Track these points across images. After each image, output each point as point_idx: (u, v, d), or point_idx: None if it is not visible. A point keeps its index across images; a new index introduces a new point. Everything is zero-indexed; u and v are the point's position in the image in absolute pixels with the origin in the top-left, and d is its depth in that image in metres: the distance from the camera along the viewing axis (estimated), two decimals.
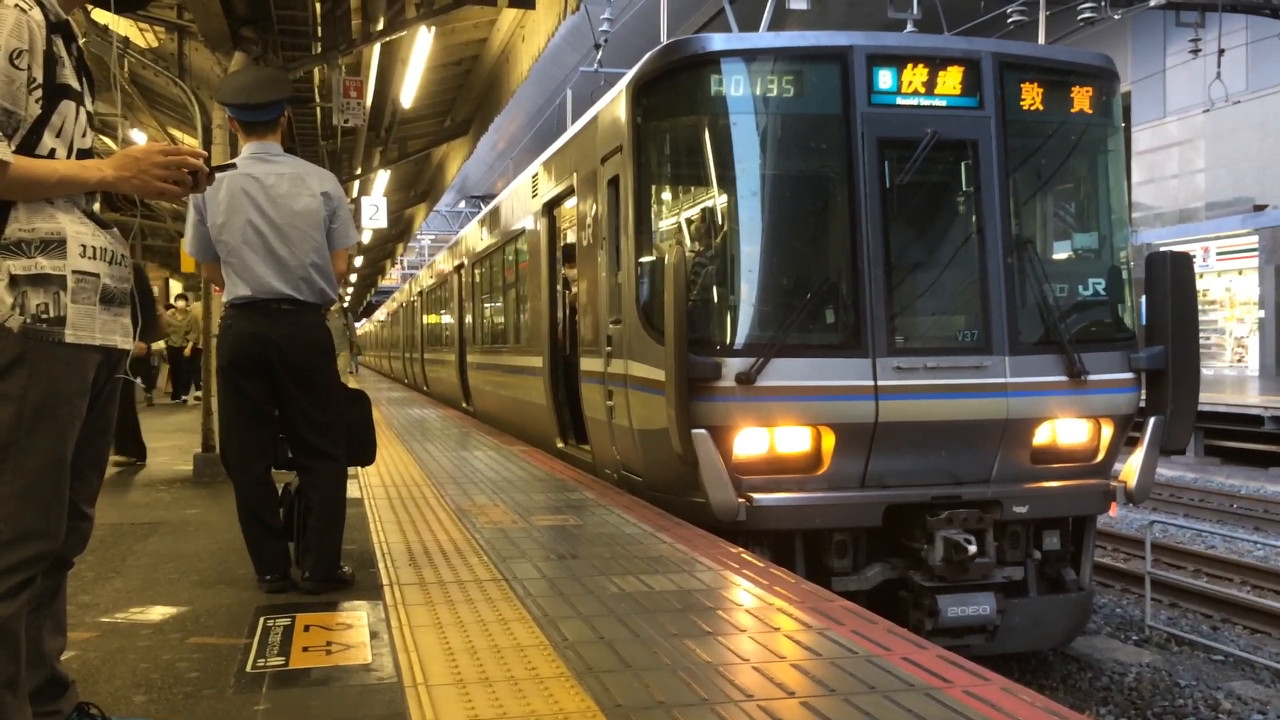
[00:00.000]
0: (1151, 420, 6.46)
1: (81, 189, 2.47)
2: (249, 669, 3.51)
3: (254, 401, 4.48)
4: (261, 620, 4.08)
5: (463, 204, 45.81)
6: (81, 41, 2.61)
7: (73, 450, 2.49)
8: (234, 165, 3.45)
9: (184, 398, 19.03)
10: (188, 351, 18.50)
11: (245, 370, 4.45)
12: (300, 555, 4.61)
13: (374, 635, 3.84)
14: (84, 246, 2.45)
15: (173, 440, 11.65)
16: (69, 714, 2.69)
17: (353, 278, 41.71)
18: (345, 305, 26.83)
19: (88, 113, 2.54)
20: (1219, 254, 26.96)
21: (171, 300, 21.00)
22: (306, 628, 3.97)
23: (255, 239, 4.42)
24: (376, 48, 11.17)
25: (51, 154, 2.42)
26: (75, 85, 2.48)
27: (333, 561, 4.55)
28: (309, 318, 4.50)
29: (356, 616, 4.11)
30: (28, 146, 2.37)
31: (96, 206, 2.60)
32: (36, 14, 2.37)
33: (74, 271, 2.42)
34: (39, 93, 2.38)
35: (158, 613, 4.28)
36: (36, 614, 2.54)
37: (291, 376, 4.43)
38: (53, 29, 2.42)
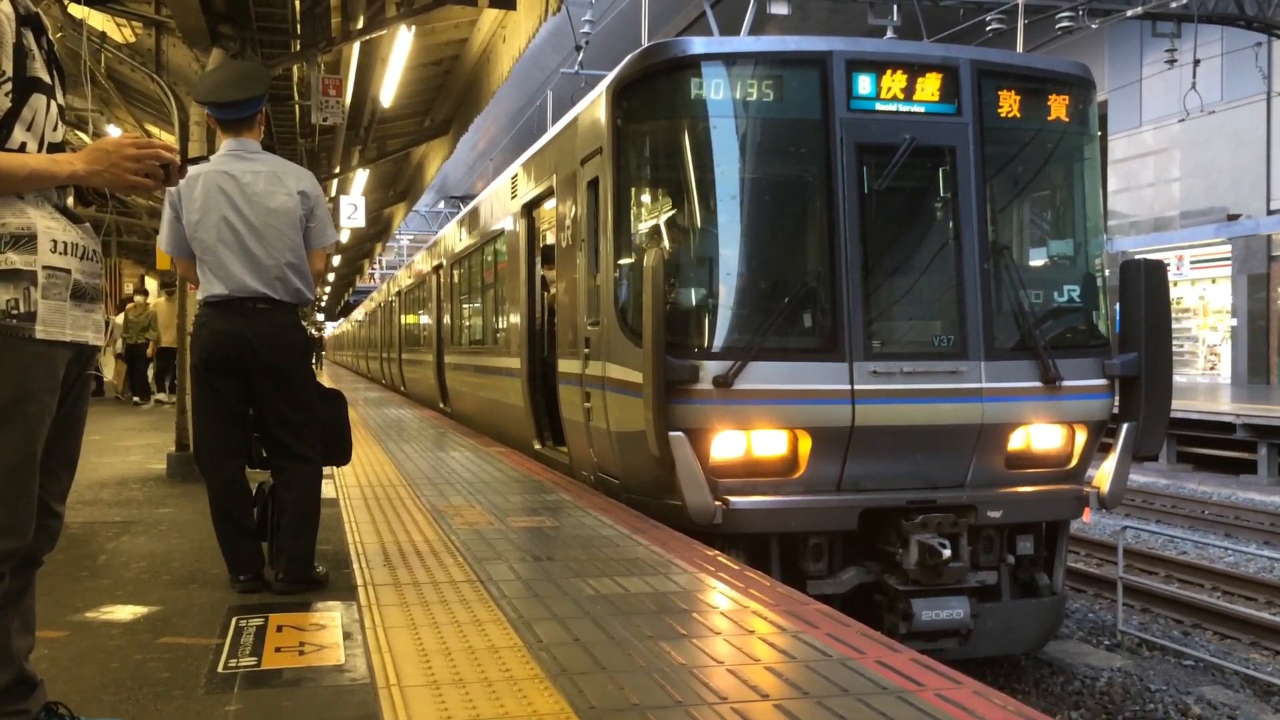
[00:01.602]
0: (1124, 426, 6.51)
1: (52, 183, 2.45)
2: (220, 669, 3.48)
3: (227, 401, 4.46)
4: (234, 620, 4.05)
5: (442, 204, 45.73)
6: (57, 36, 2.60)
7: (42, 447, 2.47)
8: (206, 158, 3.43)
9: (142, 399, 17.49)
10: (151, 351, 17.21)
11: (219, 369, 4.42)
12: (274, 556, 4.58)
13: (347, 636, 3.82)
14: (55, 242, 2.43)
15: (146, 439, 11.56)
16: (37, 713, 2.66)
17: (330, 277, 41.54)
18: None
19: (59, 106, 2.52)
20: (1193, 262, 27.25)
21: (131, 295, 19.37)
22: (279, 628, 3.94)
23: (230, 237, 4.39)
24: (356, 46, 11.14)
25: (22, 148, 2.40)
26: (46, 79, 2.46)
27: (307, 562, 4.52)
28: (284, 317, 4.47)
29: (330, 617, 4.09)
30: None
31: (70, 201, 2.57)
32: (5, 6, 2.35)
33: (45, 267, 2.40)
34: (9, 86, 2.36)
35: (129, 612, 4.25)
36: (4, 612, 2.52)
37: (266, 376, 4.40)
38: (22, 22, 2.39)
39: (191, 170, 4.49)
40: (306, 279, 4.53)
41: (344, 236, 24.69)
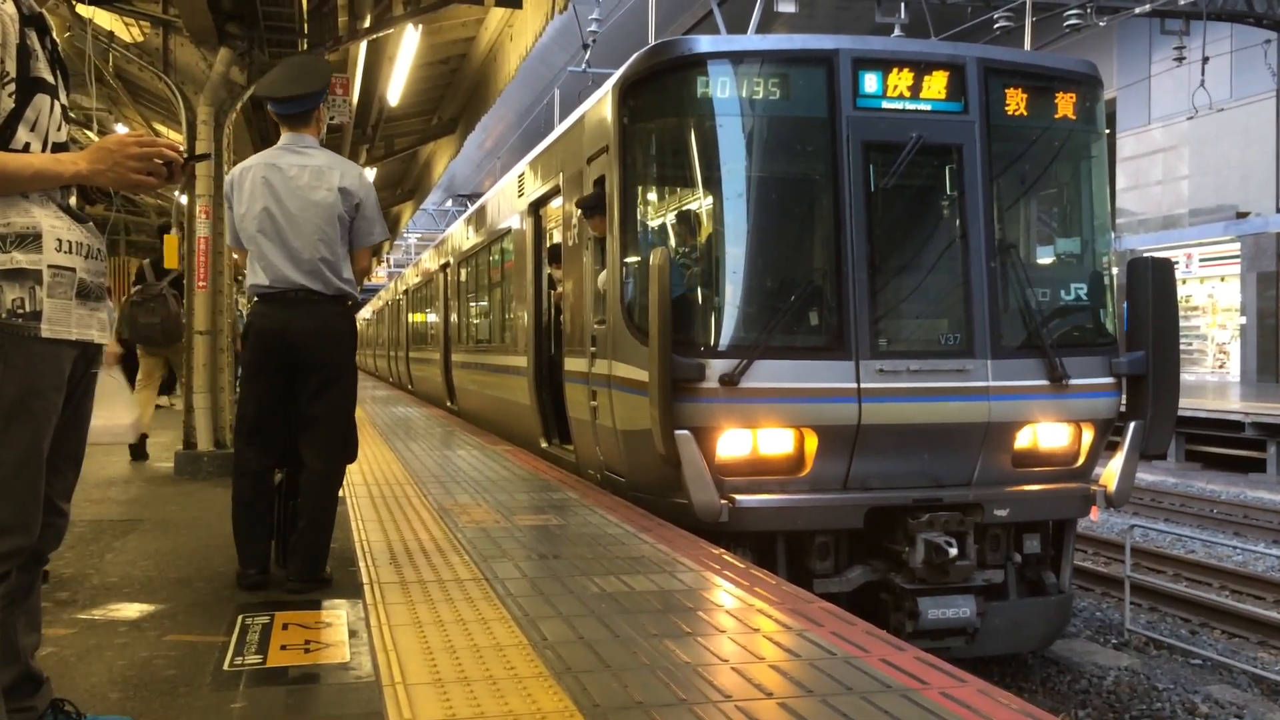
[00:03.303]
0: (1132, 425, 6.49)
1: (57, 183, 2.45)
2: (226, 667, 3.49)
3: (272, 397, 4.50)
4: (240, 618, 4.06)
5: (450, 202, 45.75)
6: (65, 35, 2.61)
7: (48, 445, 2.48)
8: (209, 155, 3.45)
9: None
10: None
11: (265, 368, 4.49)
12: (288, 553, 4.58)
13: (353, 634, 3.83)
14: (60, 241, 2.43)
15: (155, 437, 11.57)
16: (43, 711, 2.67)
17: None
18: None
19: (62, 106, 2.53)
20: (1202, 260, 27.16)
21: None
22: (285, 626, 3.96)
23: (270, 228, 4.46)
24: (363, 45, 11.14)
25: (26, 148, 2.41)
26: (50, 79, 2.46)
27: (322, 561, 4.52)
28: (329, 308, 4.50)
29: (336, 615, 4.10)
30: (1, 141, 2.36)
31: (72, 200, 2.58)
32: (9, 7, 2.36)
33: (50, 266, 2.41)
34: (12, 86, 2.37)
35: (135, 610, 4.26)
36: (11, 610, 2.53)
37: (312, 371, 4.44)
38: (26, 22, 2.40)
39: (244, 163, 4.58)
40: (342, 274, 4.52)
41: None
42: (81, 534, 5.81)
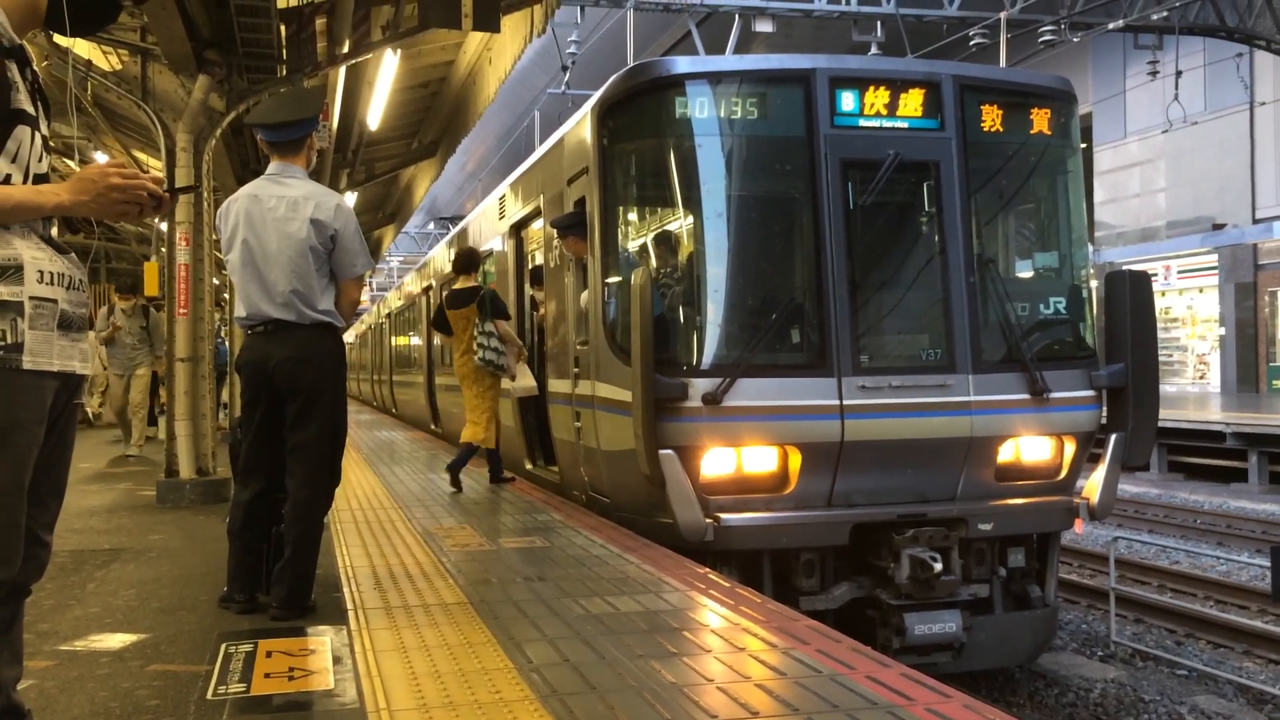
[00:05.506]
0: (1112, 437, 6.54)
1: (38, 214, 2.45)
2: (209, 696, 3.46)
3: (264, 429, 4.50)
4: (223, 647, 4.03)
5: (431, 225, 45.76)
6: (43, 64, 2.62)
7: (30, 477, 2.47)
8: (196, 187, 3.45)
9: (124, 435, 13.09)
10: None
11: (256, 402, 4.50)
12: (272, 581, 4.55)
13: (337, 661, 3.81)
14: (41, 272, 2.43)
15: (137, 466, 11.51)
16: None
17: None
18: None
19: (43, 137, 2.53)
20: (1180, 272, 27.39)
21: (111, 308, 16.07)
22: (269, 654, 3.93)
23: (248, 260, 4.45)
24: (342, 70, 11.16)
25: (6, 180, 2.40)
26: (30, 110, 2.46)
27: (306, 589, 4.48)
28: (305, 333, 4.45)
29: (320, 642, 4.07)
30: None
31: (54, 231, 2.58)
32: None
33: (31, 298, 2.40)
34: None
35: (118, 640, 4.23)
36: None
37: (287, 396, 4.43)
38: (5, 54, 2.40)
39: (235, 194, 4.58)
40: (316, 306, 4.46)
41: None
42: (63, 564, 5.77)
